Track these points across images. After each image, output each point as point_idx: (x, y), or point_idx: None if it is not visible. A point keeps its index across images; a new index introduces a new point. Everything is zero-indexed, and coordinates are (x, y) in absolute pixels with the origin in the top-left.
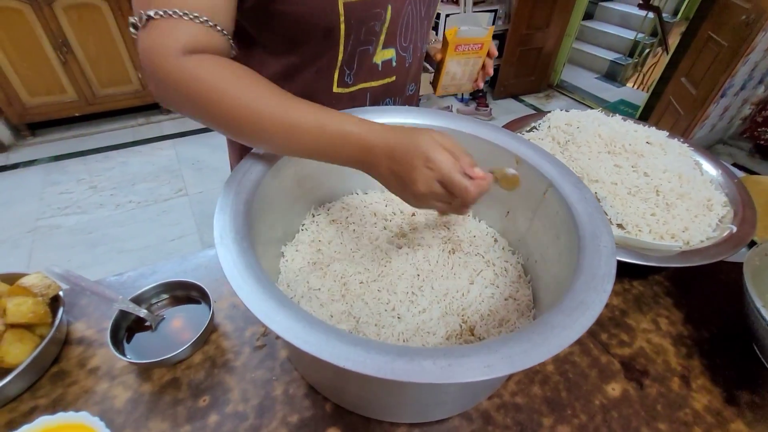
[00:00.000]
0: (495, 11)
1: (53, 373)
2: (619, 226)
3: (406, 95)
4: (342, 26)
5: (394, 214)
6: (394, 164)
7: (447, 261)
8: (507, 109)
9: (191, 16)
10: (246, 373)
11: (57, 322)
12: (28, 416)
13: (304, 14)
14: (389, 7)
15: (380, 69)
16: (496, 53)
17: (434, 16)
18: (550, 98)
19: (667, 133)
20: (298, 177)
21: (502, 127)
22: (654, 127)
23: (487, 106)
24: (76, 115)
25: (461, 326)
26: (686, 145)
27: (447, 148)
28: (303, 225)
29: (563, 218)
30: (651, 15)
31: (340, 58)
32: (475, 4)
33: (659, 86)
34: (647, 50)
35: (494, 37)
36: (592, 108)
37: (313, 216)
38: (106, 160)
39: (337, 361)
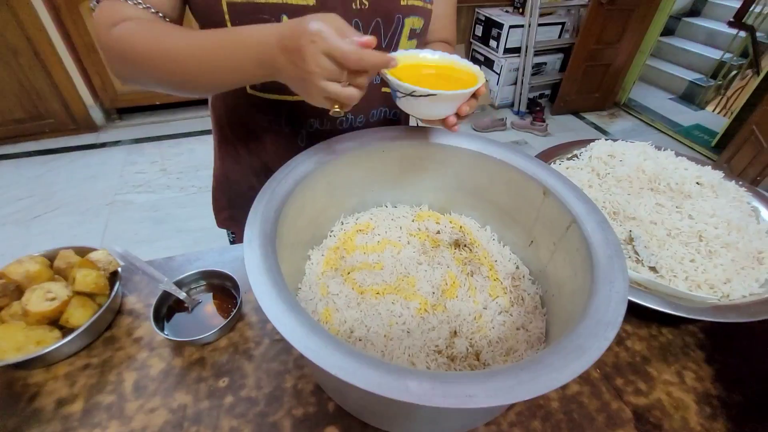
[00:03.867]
0: (562, 24)
1: (106, 337)
2: (652, 269)
3: (338, 126)
4: (228, 24)
5: (419, 231)
6: (287, 54)
7: (464, 282)
8: (565, 125)
9: (133, 2)
10: (263, 362)
11: (113, 294)
12: (83, 371)
13: (196, 9)
14: (283, 17)
15: None
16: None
17: (396, 37)
18: (614, 117)
19: (723, 175)
20: (330, 186)
21: (546, 150)
22: (709, 167)
23: (543, 121)
24: (157, 103)
25: (467, 349)
26: (743, 189)
27: (331, 23)
28: (331, 231)
29: (582, 257)
30: (742, 34)
31: None
32: (541, 15)
33: (743, 113)
34: (734, 72)
35: (558, 50)
36: (661, 131)
37: (342, 224)
38: (177, 146)
39: (329, 369)
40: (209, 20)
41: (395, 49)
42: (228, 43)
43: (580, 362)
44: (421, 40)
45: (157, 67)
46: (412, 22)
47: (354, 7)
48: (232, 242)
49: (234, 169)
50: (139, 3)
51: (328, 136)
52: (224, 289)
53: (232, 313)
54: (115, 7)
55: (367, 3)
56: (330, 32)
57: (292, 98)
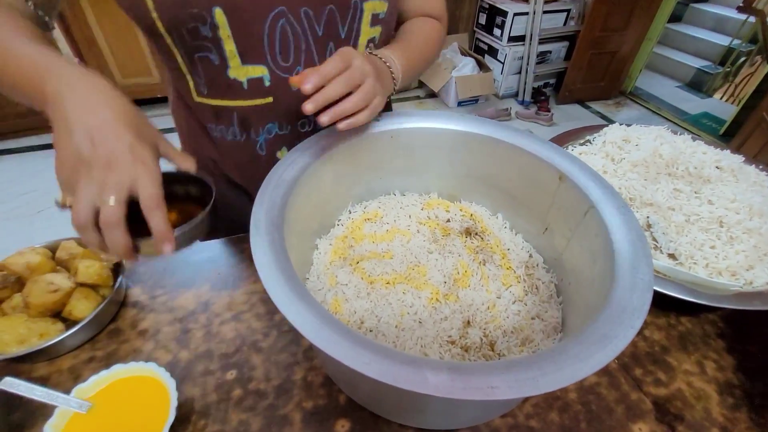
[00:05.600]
0: (568, 11)
1: (110, 330)
2: (671, 256)
3: (299, 129)
4: (158, 23)
5: (429, 219)
6: (98, 122)
7: (476, 271)
8: (570, 115)
9: None
10: (271, 354)
11: (117, 285)
12: (87, 364)
13: (122, 6)
14: (215, 11)
15: (245, 87)
16: None
17: (356, 26)
18: (620, 106)
19: (743, 159)
20: (337, 174)
21: (557, 136)
22: (729, 151)
23: (548, 110)
24: (158, 96)
25: (482, 339)
26: (765, 173)
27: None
28: (339, 220)
29: (602, 243)
30: (752, 19)
31: (179, 61)
32: (546, 2)
33: (752, 100)
34: (743, 59)
35: (564, 38)
36: (667, 119)
37: (350, 212)
38: (175, 140)
39: (343, 359)
40: (135, 14)
41: (355, 42)
42: (25, 59)
43: (606, 352)
44: (389, 27)
45: None
46: (373, 7)
47: None
48: None
49: None
50: None
51: (292, 142)
52: (189, 198)
53: (199, 217)
54: None
55: None
56: (157, 175)
57: (244, 103)
